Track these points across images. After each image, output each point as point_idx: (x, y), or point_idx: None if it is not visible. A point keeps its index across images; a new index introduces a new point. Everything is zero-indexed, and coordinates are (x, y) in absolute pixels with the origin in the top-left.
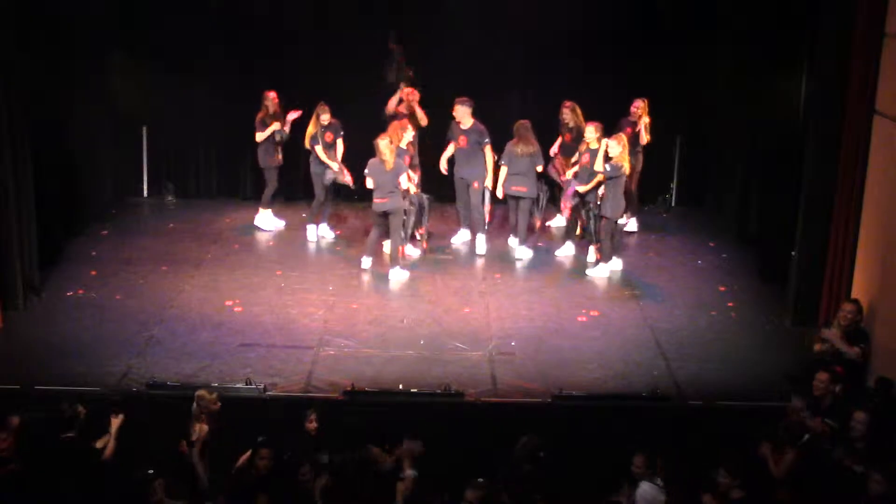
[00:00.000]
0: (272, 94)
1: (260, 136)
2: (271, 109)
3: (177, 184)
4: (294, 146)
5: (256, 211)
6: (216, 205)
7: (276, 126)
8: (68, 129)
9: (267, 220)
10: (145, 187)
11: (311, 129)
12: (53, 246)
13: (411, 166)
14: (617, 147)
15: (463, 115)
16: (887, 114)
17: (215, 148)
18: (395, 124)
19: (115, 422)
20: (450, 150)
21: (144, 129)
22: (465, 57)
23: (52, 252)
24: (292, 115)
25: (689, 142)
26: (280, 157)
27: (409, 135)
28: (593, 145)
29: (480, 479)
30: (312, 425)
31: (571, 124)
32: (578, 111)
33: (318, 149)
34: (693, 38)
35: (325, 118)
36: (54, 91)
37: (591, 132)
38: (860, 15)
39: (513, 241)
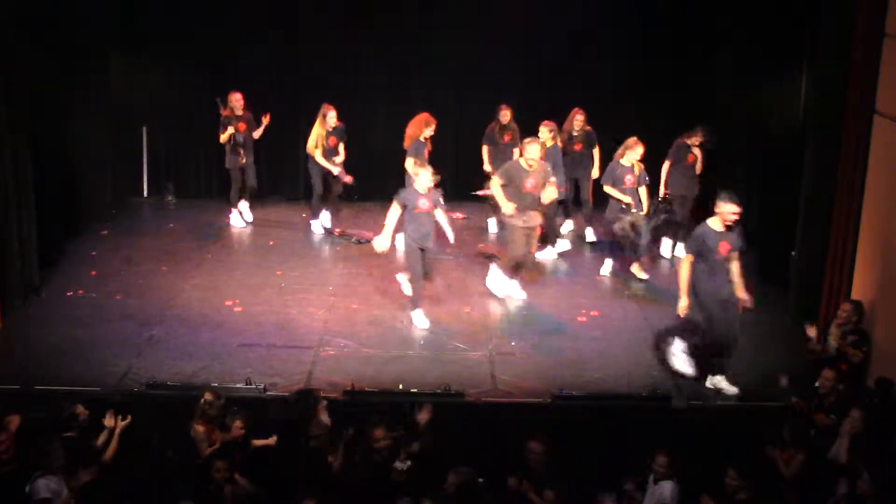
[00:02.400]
0: (237, 95)
1: (222, 138)
2: (236, 111)
3: (177, 184)
4: (292, 146)
5: (255, 211)
6: (216, 205)
7: (231, 130)
8: (68, 129)
9: (237, 218)
10: (145, 187)
11: (318, 131)
12: (53, 246)
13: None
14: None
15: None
16: (887, 114)
17: (215, 148)
18: (418, 117)
19: (120, 424)
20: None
21: (144, 129)
22: (464, 58)
23: (52, 252)
24: (264, 123)
25: None
26: (244, 159)
27: (431, 130)
28: (549, 143)
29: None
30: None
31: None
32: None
33: (318, 153)
34: (693, 39)
35: (332, 119)
36: (54, 91)
37: (544, 132)
38: (860, 15)
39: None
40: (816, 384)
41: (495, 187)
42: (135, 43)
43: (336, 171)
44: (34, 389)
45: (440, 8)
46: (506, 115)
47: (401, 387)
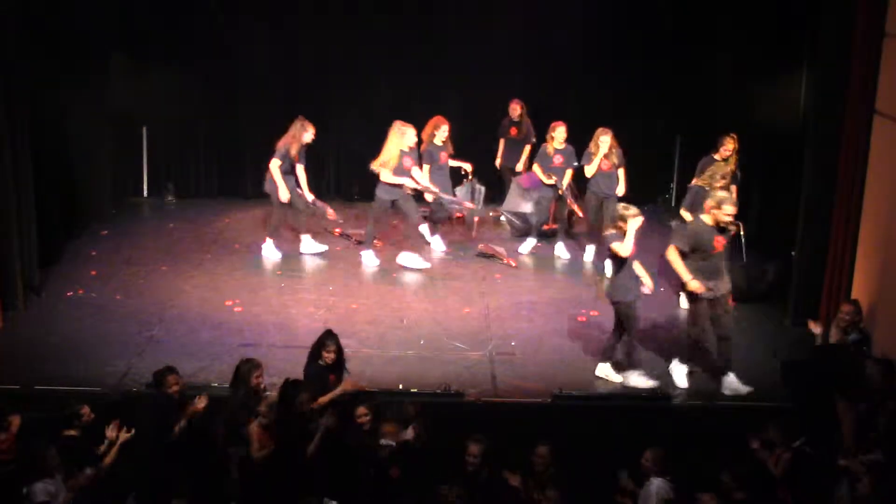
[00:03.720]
0: (312, 129)
1: (274, 166)
2: (304, 139)
3: (177, 184)
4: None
5: (256, 210)
6: (216, 205)
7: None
8: (68, 129)
9: (271, 249)
10: (145, 187)
11: (396, 150)
12: (53, 246)
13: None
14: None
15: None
16: (887, 114)
17: (215, 148)
18: (431, 121)
19: (123, 437)
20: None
21: (144, 129)
22: (465, 58)
23: (52, 252)
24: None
25: (689, 142)
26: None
27: (444, 132)
28: (559, 145)
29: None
30: (331, 356)
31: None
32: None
33: (386, 172)
34: (693, 38)
35: (412, 138)
36: (54, 91)
37: (560, 133)
38: (860, 15)
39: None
40: None
41: (674, 256)
42: (135, 43)
43: (420, 188)
44: (34, 389)
45: (440, 8)
46: (515, 110)
47: (401, 387)
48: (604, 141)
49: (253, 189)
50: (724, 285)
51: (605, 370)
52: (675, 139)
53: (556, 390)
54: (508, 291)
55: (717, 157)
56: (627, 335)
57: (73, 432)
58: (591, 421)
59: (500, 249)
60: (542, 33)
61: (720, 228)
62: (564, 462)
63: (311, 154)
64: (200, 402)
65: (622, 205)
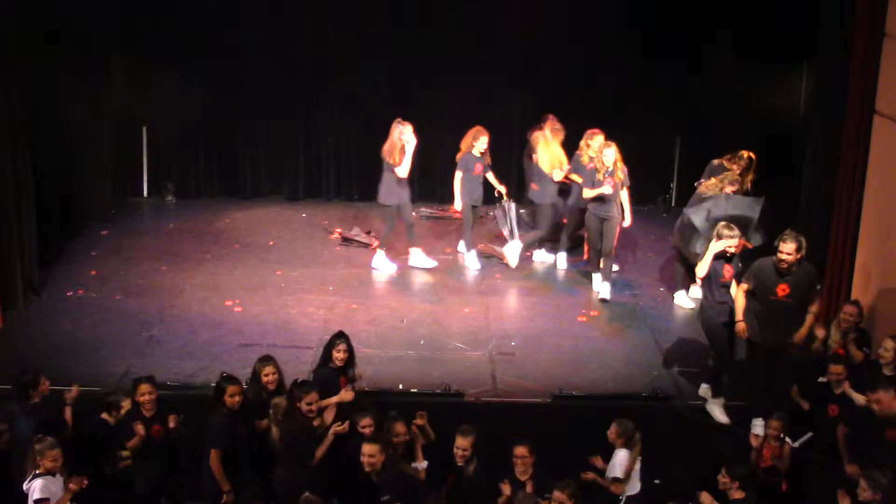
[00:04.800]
0: (410, 127)
1: (403, 172)
2: (404, 137)
3: (177, 184)
4: (291, 146)
5: (256, 210)
6: (216, 205)
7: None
8: (68, 129)
9: (384, 261)
10: (145, 187)
11: (556, 153)
12: (53, 246)
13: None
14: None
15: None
16: (887, 114)
17: (215, 148)
18: (472, 131)
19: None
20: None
21: (144, 129)
22: (464, 59)
23: (52, 252)
24: None
25: (689, 142)
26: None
27: (483, 143)
28: (594, 153)
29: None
30: (341, 356)
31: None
32: None
33: (558, 173)
34: (693, 38)
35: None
36: (54, 91)
37: (598, 142)
38: (860, 15)
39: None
40: (824, 379)
41: (739, 297)
42: (135, 43)
43: (608, 189)
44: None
45: (440, 7)
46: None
47: (401, 387)
48: (608, 155)
49: (252, 189)
50: (784, 336)
51: (704, 391)
52: (675, 139)
53: (556, 390)
54: (508, 291)
55: (727, 165)
56: (715, 359)
57: (108, 418)
58: (591, 421)
59: (500, 250)
60: (542, 33)
61: (783, 273)
62: (564, 462)
63: (310, 155)
64: (171, 422)
65: (722, 223)
